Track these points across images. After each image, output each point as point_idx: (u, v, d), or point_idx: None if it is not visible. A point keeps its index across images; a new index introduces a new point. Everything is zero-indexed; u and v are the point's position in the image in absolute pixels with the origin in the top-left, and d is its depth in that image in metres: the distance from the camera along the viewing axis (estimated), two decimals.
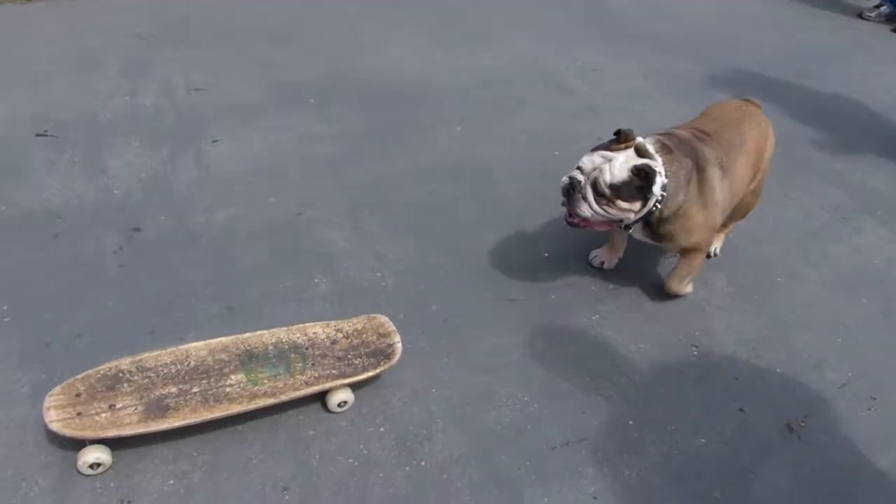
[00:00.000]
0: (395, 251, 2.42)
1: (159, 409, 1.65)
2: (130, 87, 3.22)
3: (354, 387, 1.85)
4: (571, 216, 2.07)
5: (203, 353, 1.80)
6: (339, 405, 1.82)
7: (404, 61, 3.78)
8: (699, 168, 2.06)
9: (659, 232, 2.09)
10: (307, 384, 1.77)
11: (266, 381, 1.76)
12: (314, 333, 1.91)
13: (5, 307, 2.02)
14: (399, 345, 1.91)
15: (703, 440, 1.90)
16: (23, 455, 1.64)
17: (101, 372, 1.70)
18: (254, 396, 1.72)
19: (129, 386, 1.69)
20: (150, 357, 1.76)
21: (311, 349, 1.87)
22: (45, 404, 1.61)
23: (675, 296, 2.32)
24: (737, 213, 2.39)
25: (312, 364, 1.83)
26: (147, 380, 1.71)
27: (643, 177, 1.92)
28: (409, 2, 4.61)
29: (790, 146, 3.37)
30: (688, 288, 2.32)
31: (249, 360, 1.81)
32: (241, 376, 1.76)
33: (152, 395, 1.68)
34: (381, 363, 1.86)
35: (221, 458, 1.69)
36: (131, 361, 1.74)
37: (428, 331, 2.12)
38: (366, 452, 1.75)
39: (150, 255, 2.28)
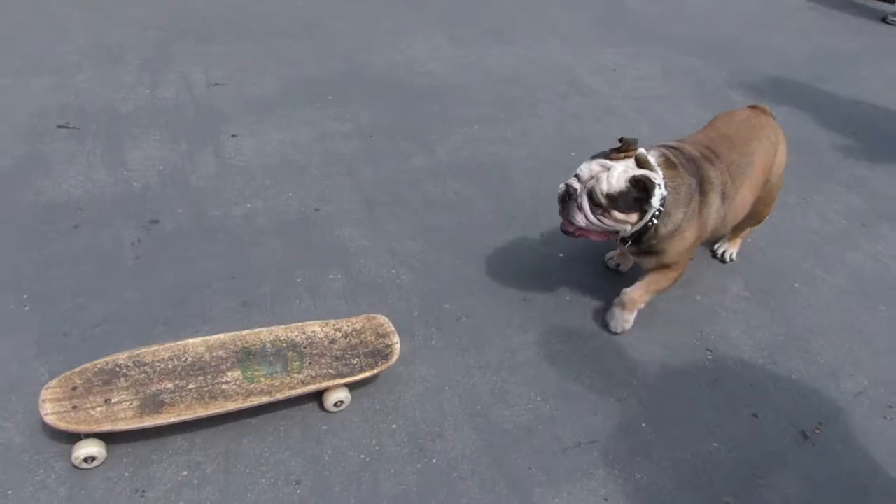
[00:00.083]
0: (411, 248, 2.43)
1: (154, 404, 1.65)
2: (151, 81, 3.25)
3: (352, 386, 1.85)
4: (566, 224, 2.02)
5: (201, 349, 1.80)
6: (335, 405, 1.81)
7: (422, 59, 3.79)
8: (702, 190, 1.99)
9: (648, 245, 2.01)
10: (303, 383, 1.76)
11: (262, 380, 1.75)
12: (313, 332, 1.91)
13: (25, 296, 2.05)
14: (398, 346, 1.90)
15: (715, 445, 1.89)
16: (40, 442, 1.66)
17: (99, 366, 1.71)
18: (249, 394, 1.71)
19: (126, 380, 1.69)
20: (147, 352, 1.76)
21: (308, 348, 1.86)
22: (42, 397, 1.61)
23: (623, 313, 2.15)
24: (750, 219, 2.36)
25: (310, 363, 1.82)
26: (144, 375, 1.71)
27: (641, 188, 1.85)
28: (429, 0, 4.61)
29: (809, 151, 3.35)
30: (631, 316, 2.16)
31: (247, 357, 1.80)
32: (237, 374, 1.76)
33: (148, 391, 1.68)
34: (379, 364, 1.85)
35: (235, 451, 1.71)
36: (129, 356, 1.74)
37: (441, 329, 2.12)
38: (378, 448, 1.76)
39: (167, 248, 2.30)
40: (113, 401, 1.64)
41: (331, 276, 2.27)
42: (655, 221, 1.93)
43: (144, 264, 2.22)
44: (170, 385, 1.70)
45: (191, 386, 1.71)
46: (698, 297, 2.39)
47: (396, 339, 1.92)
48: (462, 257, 2.42)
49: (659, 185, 1.87)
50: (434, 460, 1.76)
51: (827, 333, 2.30)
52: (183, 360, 1.76)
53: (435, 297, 2.24)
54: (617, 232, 1.99)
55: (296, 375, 1.78)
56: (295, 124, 3.06)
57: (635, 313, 2.17)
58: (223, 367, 1.77)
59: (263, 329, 1.89)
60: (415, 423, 1.84)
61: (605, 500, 1.72)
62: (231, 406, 1.68)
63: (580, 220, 1.95)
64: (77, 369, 1.69)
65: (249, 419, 1.78)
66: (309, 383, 1.77)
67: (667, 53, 4.23)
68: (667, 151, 2.00)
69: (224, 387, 1.72)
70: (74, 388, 1.65)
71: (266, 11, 4.15)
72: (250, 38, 3.80)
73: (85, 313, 2.01)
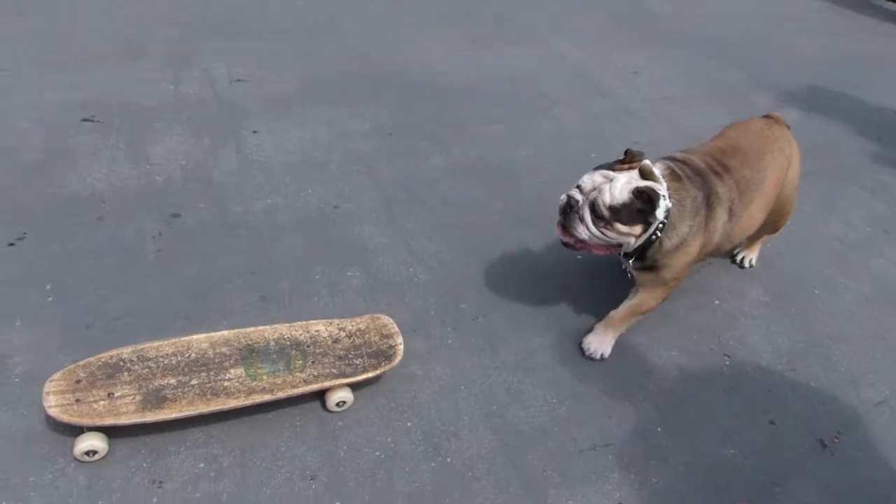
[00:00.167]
0: (429, 247, 2.43)
1: (157, 399, 1.66)
2: (174, 76, 3.28)
3: (360, 385, 1.85)
4: (566, 236, 1.93)
5: (204, 345, 1.80)
6: (337, 405, 1.81)
7: (442, 59, 3.79)
8: (709, 204, 1.93)
9: (652, 260, 1.94)
10: (306, 382, 1.76)
11: (265, 377, 1.75)
12: (317, 331, 1.90)
13: (48, 286, 2.08)
14: (401, 347, 1.89)
15: (732, 451, 1.88)
16: (60, 432, 1.68)
17: (103, 359, 1.71)
18: (251, 392, 1.71)
19: (129, 375, 1.70)
20: (151, 347, 1.77)
21: (312, 347, 1.86)
22: (45, 389, 1.62)
23: (603, 337, 2.09)
24: (766, 227, 2.31)
25: (313, 362, 1.82)
26: (147, 370, 1.72)
27: (645, 199, 1.78)
28: (449, 0, 4.62)
29: (833, 156, 3.31)
30: (609, 341, 2.10)
31: (250, 354, 1.80)
32: (240, 371, 1.76)
33: (151, 386, 1.69)
34: (382, 364, 1.85)
35: (251, 445, 1.72)
36: (133, 350, 1.75)
37: (457, 328, 2.13)
38: (393, 446, 1.77)
39: (188, 242, 2.32)
40: (116, 395, 1.65)
41: (349, 274, 2.28)
42: (660, 235, 1.87)
43: (166, 258, 2.25)
44: (173, 381, 1.71)
45: (193, 382, 1.71)
46: (717, 302, 2.37)
47: (400, 339, 1.91)
48: (478, 257, 2.42)
49: (663, 196, 1.80)
50: (449, 459, 1.76)
51: (849, 341, 2.27)
52: (186, 356, 1.77)
53: (451, 296, 2.24)
54: (620, 245, 1.92)
55: (298, 374, 1.78)
56: (314, 122, 3.08)
57: (615, 339, 2.10)
58: (226, 363, 1.77)
59: (267, 327, 1.88)
60: (430, 421, 1.84)
61: (620, 503, 1.71)
62: (233, 403, 1.69)
63: (581, 232, 1.88)
64: (81, 363, 1.70)
65: (265, 414, 1.79)
66: (311, 382, 1.76)
67: (687, 55, 4.21)
68: (672, 164, 1.94)
69: (226, 384, 1.72)
70: (78, 382, 1.66)
71: (286, 9, 4.18)
72: (270, 35, 3.83)
73: (107, 305, 2.04)
